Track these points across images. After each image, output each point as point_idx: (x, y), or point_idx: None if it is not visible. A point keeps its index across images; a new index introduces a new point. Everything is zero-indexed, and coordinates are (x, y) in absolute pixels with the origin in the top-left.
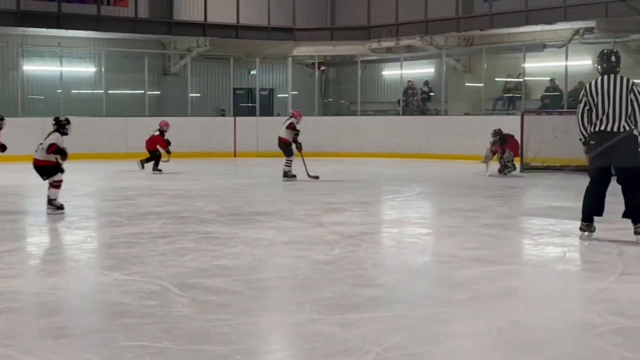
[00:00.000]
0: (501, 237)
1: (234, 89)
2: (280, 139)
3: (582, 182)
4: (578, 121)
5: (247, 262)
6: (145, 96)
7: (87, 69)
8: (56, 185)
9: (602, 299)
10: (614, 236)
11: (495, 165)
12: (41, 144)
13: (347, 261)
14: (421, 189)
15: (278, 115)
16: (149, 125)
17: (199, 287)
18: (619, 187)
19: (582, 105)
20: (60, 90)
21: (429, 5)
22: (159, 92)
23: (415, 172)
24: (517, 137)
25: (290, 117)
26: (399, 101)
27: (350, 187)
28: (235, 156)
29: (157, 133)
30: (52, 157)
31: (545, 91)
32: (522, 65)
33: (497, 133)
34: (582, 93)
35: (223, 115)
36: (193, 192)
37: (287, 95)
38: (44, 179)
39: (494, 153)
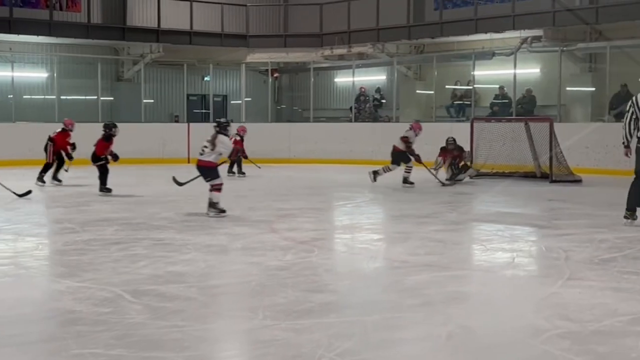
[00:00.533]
0: (451, 242)
1: (188, 95)
2: (394, 147)
3: (530, 188)
4: (624, 127)
5: (201, 269)
6: (98, 102)
7: (39, 75)
8: (217, 188)
9: (550, 304)
10: (561, 242)
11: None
12: (206, 146)
13: (300, 267)
14: (373, 195)
15: (232, 121)
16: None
17: (153, 293)
18: (564, 193)
19: (629, 114)
20: (11, 96)
21: (380, 13)
22: (112, 98)
23: (367, 179)
24: (467, 144)
25: (410, 128)
26: (351, 108)
27: (303, 194)
28: (189, 162)
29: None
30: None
31: (494, 98)
32: (472, 73)
33: (453, 142)
34: (629, 104)
35: (177, 121)
36: (146, 199)
37: (240, 101)
38: (207, 181)
39: (444, 161)
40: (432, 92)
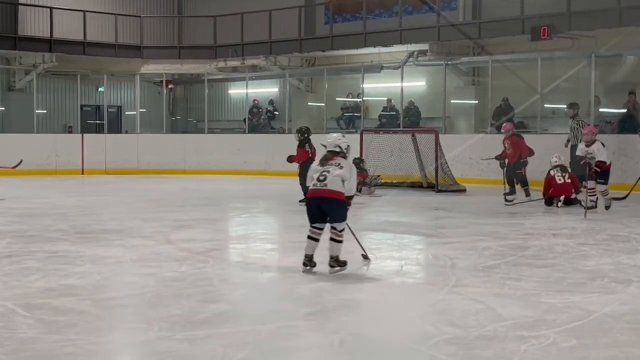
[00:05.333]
0: (342, 251)
1: (82, 106)
2: None
3: (416, 198)
4: None
5: (95, 281)
6: None
7: None
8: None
9: (436, 310)
10: (446, 250)
11: None
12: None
13: (195, 277)
14: (267, 206)
15: (126, 132)
16: None
17: (46, 307)
18: (450, 202)
19: None
20: None
21: (273, 27)
22: (2, 108)
23: (261, 189)
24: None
25: None
26: (245, 119)
27: (199, 204)
28: (83, 174)
29: None
30: None
31: (382, 111)
32: (361, 85)
33: (361, 161)
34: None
35: (70, 132)
36: (39, 211)
37: (135, 112)
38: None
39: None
40: (322, 104)
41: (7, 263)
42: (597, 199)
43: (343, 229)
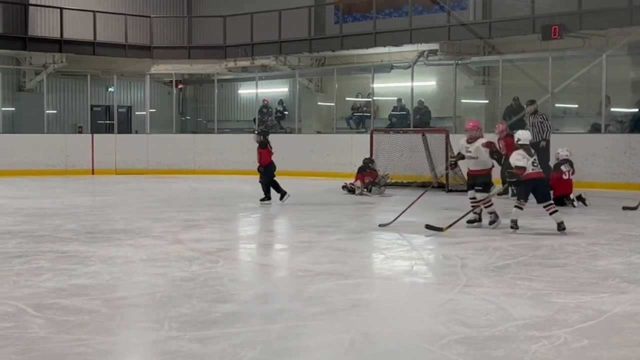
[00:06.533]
0: (352, 251)
1: (92, 106)
2: None
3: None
4: None
5: (105, 281)
6: None
7: None
8: None
9: (447, 310)
10: (457, 250)
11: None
12: None
13: (205, 277)
14: (277, 206)
15: (136, 132)
16: (3, 142)
17: (56, 307)
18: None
19: None
20: None
21: (282, 27)
22: (13, 109)
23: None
24: (367, 155)
25: None
26: (254, 119)
27: (208, 204)
28: (93, 174)
29: None
30: None
31: (392, 110)
32: (371, 85)
33: (371, 162)
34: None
35: (80, 132)
36: (50, 211)
37: (145, 112)
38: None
39: (362, 181)
40: (332, 104)
41: (17, 263)
42: (480, 210)
43: None
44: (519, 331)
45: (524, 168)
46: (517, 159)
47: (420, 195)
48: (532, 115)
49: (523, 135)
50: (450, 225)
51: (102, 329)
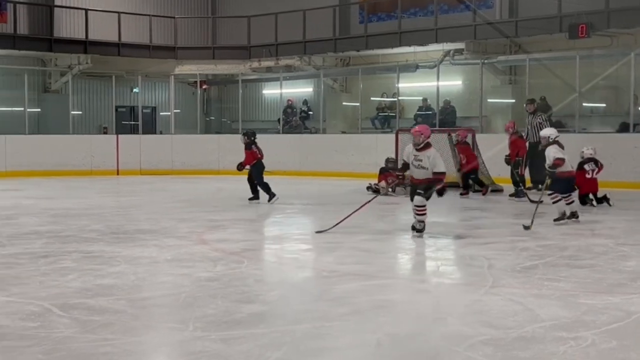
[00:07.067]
0: (378, 252)
1: (116, 107)
2: None
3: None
4: None
5: (130, 281)
6: (25, 114)
7: None
8: None
9: (473, 311)
10: (484, 250)
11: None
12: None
13: (230, 278)
14: (301, 206)
15: (161, 133)
16: (29, 143)
17: (82, 307)
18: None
19: None
20: None
21: (307, 26)
22: (39, 110)
23: (295, 189)
24: (392, 155)
25: None
26: (279, 120)
27: (233, 205)
28: (118, 174)
29: None
30: None
31: (418, 110)
32: (396, 85)
33: (393, 162)
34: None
35: (105, 133)
36: (75, 211)
37: (169, 113)
38: None
39: (386, 182)
40: (357, 104)
41: (43, 263)
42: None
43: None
44: (547, 332)
45: (563, 159)
46: (555, 152)
47: (367, 203)
48: (532, 115)
49: (550, 132)
50: (326, 228)
51: (127, 329)
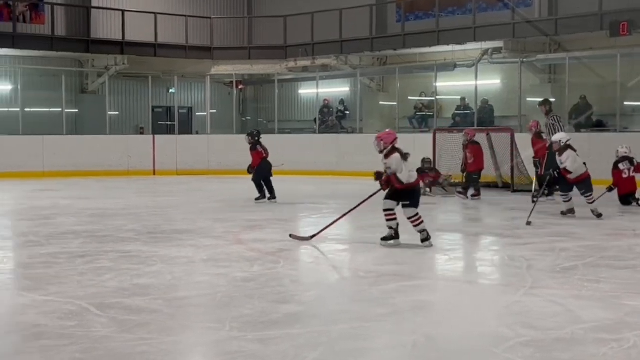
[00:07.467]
0: (416, 252)
1: (153, 107)
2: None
3: (491, 198)
4: None
5: (167, 281)
6: (63, 114)
7: (3, 87)
8: None
9: (513, 312)
10: (523, 251)
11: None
12: None
13: (266, 278)
14: (338, 206)
15: (197, 133)
16: (67, 144)
17: (118, 306)
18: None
19: None
20: None
21: (343, 26)
22: (76, 111)
23: (332, 189)
24: (430, 155)
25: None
26: (315, 119)
27: (269, 204)
28: (154, 174)
29: None
30: None
31: (456, 109)
32: (434, 84)
33: (430, 162)
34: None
35: (142, 133)
36: (112, 211)
37: (205, 113)
38: None
39: (424, 183)
40: (394, 103)
41: (81, 263)
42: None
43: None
44: (587, 334)
45: (571, 172)
46: (572, 160)
47: (361, 203)
48: (546, 116)
49: (561, 136)
50: (315, 235)
51: (163, 329)
